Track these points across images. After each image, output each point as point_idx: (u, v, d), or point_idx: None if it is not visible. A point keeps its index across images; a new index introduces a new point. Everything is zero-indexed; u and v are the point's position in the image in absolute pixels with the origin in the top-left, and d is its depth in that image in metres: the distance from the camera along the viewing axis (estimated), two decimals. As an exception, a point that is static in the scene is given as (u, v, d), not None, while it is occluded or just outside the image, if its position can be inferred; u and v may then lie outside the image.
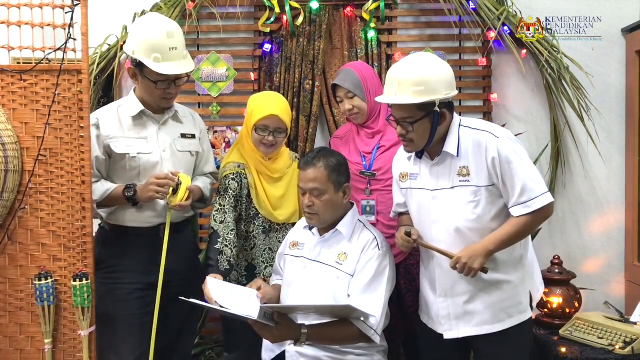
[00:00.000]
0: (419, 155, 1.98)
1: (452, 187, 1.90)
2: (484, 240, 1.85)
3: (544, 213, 1.85)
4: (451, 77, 1.88)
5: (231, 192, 2.24)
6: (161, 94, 2.12)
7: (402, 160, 2.07)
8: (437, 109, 1.83)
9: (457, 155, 1.88)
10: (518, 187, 1.82)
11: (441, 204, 1.92)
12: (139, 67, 2.09)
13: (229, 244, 2.18)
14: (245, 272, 2.31)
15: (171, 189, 2.06)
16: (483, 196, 1.86)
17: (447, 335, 1.95)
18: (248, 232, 2.30)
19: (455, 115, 1.94)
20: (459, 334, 1.93)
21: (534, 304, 1.98)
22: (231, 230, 2.20)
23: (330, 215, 2.02)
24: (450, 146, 1.89)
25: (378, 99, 1.98)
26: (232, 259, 2.18)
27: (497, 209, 1.88)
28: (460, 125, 1.91)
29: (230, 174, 2.26)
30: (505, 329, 1.90)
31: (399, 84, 1.83)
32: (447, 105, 1.88)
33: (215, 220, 2.22)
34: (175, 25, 2.13)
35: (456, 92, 1.90)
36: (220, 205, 2.24)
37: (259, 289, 2.04)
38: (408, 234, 1.93)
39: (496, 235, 1.85)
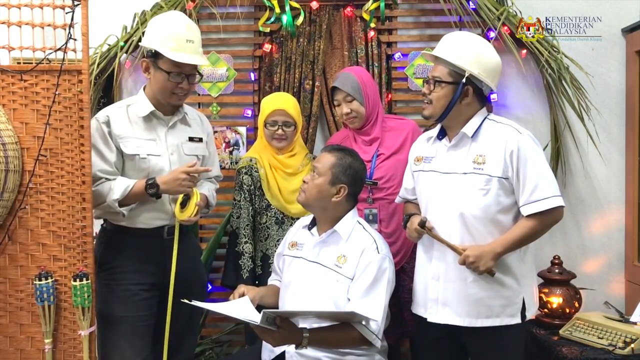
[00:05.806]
0: (440, 137, 2.02)
1: (465, 173, 1.92)
2: (492, 242, 1.86)
3: (553, 216, 1.87)
4: (493, 67, 1.95)
5: (245, 186, 2.39)
6: (172, 88, 2.08)
7: (421, 144, 2.13)
8: (463, 81, 1.89)
9: (472, 137, 1.92)
10: (531, 184, 1.84)
11: (451, 188, 1.94)
12: (153, 59, 2.07)
13: (249, 239, 2.37)
14: (261, 262, 2.41)
15: (179, 203, 2.07)
16: (494, 187, 1.88)
17: (430, 318, 1.97)
18: (261, 223, 2.40)
19: (486, 109, 2.00)
20: (441, 319, 1.95)
21: (528, 314, 1.95)
22: (247, 225, 2.37)
23: (314, 200, 2.03)
24: (468, 128, 1.94)
25: (427, 52, 2.14)
26: (249, 263, 2.36)
27: (505, 203, 1.89)
28: (486, 118, 1.98)
29: (243, 167, 2.42)
30: (489, 326, 1.90)
31: (447, 45, 1.97)
32: (476, 90, 1.94)
33: (232, 215, 2.42)
34: (194, 23, 2.16)
35: (491, 83, 1.95)
36: (236, 200, 2.41)
37: (242, 294, 2.03)
38: (422, 225, 1.94)
39: (504, 238, 1.86)
